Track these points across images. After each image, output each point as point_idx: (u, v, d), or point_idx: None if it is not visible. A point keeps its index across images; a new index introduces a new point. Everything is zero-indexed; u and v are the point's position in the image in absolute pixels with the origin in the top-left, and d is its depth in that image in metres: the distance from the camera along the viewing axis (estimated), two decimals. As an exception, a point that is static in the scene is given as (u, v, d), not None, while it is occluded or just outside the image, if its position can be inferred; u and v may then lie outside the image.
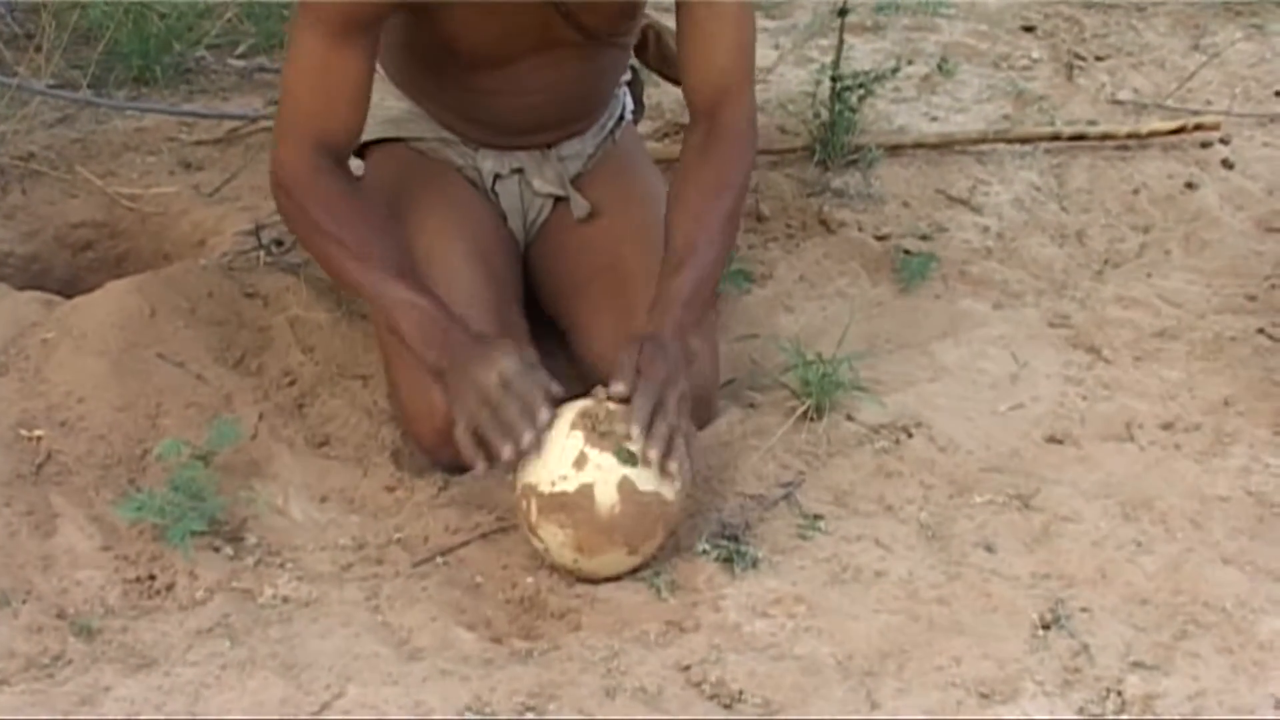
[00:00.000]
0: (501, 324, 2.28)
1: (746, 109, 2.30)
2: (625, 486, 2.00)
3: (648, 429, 2.01)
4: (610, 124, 2.54)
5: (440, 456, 2.24)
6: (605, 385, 2.07)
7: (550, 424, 2.02)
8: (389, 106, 2.42)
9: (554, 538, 2.02)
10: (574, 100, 2.43)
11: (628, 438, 2.01)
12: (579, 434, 2.02)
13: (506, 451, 2.00)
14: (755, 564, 2.06)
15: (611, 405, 2.05)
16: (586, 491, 2.00)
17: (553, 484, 2.00)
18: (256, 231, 2.71)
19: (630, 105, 2.62)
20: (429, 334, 2.11)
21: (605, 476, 2.00)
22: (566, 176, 2.47)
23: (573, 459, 2.00)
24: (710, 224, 2.22)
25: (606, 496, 2.00)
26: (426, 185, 2.39)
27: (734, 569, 2.05)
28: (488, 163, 2.45)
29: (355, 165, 2.39)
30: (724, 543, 2.09)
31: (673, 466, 2.01)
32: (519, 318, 2.37)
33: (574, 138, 2.48)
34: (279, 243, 2.71)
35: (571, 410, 2.06)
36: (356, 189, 2.21)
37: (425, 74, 2.36)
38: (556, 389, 2.06)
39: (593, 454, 2.00)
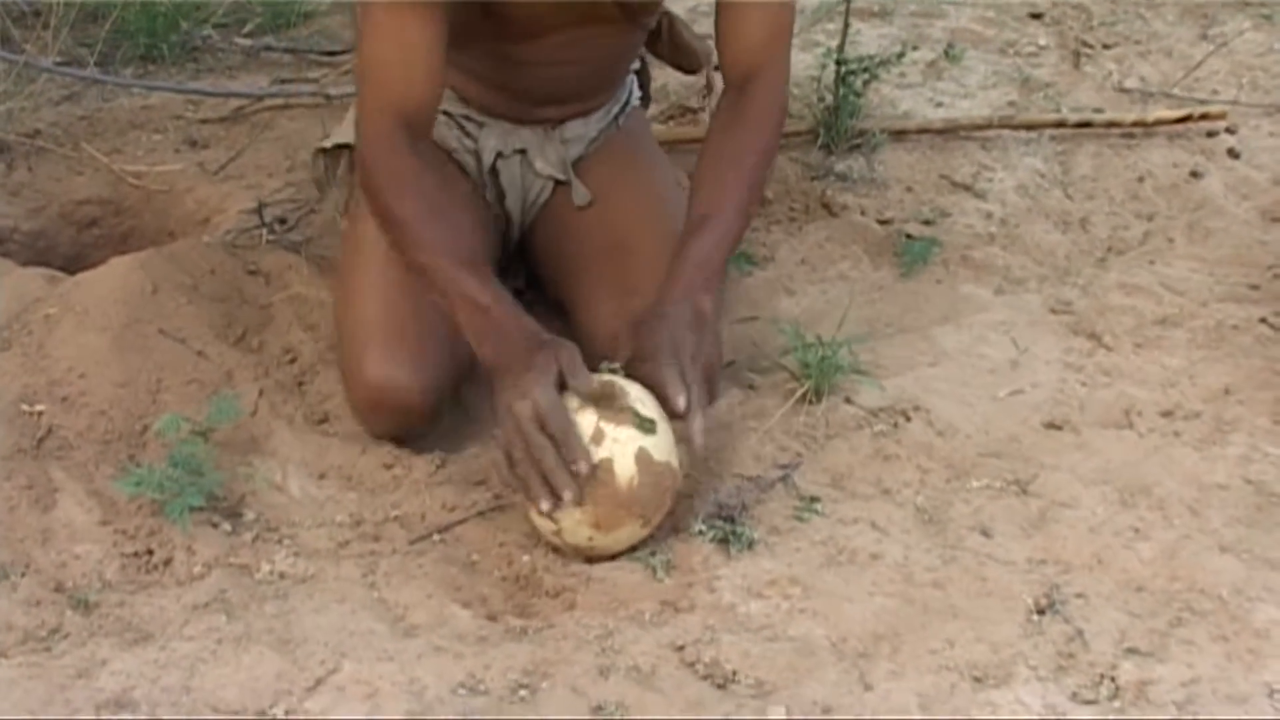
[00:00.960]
0: None
1: (778, 85, 2.33)
2: (642, 457, 2.01)
3: (683, 393, 2.05)
4: (616, 109, 2.55)
5: (371, 424, 2.27)
6: (606, 362, 2.10)
7: (593, 473, 1.99)
8: None
9: (570, 516, 2.01)
10: (597, 76, 2.45)
11: (641, 404, 2.02)
12: (590, 409, 2.02)
13: (545, 505, 1.99)
14: (751, 545, 2.07)
15: (617, 379, 2.06)
16: (606, 466, 2.00)
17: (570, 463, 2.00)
18: (259, 210, 2.71)
19: (638, 93, 2.63)
20: (481, 330, 2.09)
21: (623, 449, 2.00)
22: (568, 160, 2.48)
23: (589, 435, 2.00)
24: (732, 189, 2.25)
25: (625, 469, 2.00)
26: None
27: (730, 550, 2.06)
28: (491, 140, 2.45)
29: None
30: (720, 524, 2.09)
31: (697, 430, 2.06)
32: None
33: (580, 118, 2.48)
34: (282, 220, 2.72)
35: None
36: (427, 169, 2.19)
37: (455, 40, 2.35)
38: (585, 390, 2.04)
39: (609, 428, 2.00)
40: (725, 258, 2.26)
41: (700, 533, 2.08)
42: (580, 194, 2.46)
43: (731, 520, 2.10)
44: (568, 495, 1.97)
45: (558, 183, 2.49)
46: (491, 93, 2.42)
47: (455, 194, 2.41)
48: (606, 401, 2.03)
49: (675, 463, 2.05)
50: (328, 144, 2.55)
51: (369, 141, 2.18)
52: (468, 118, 2.45)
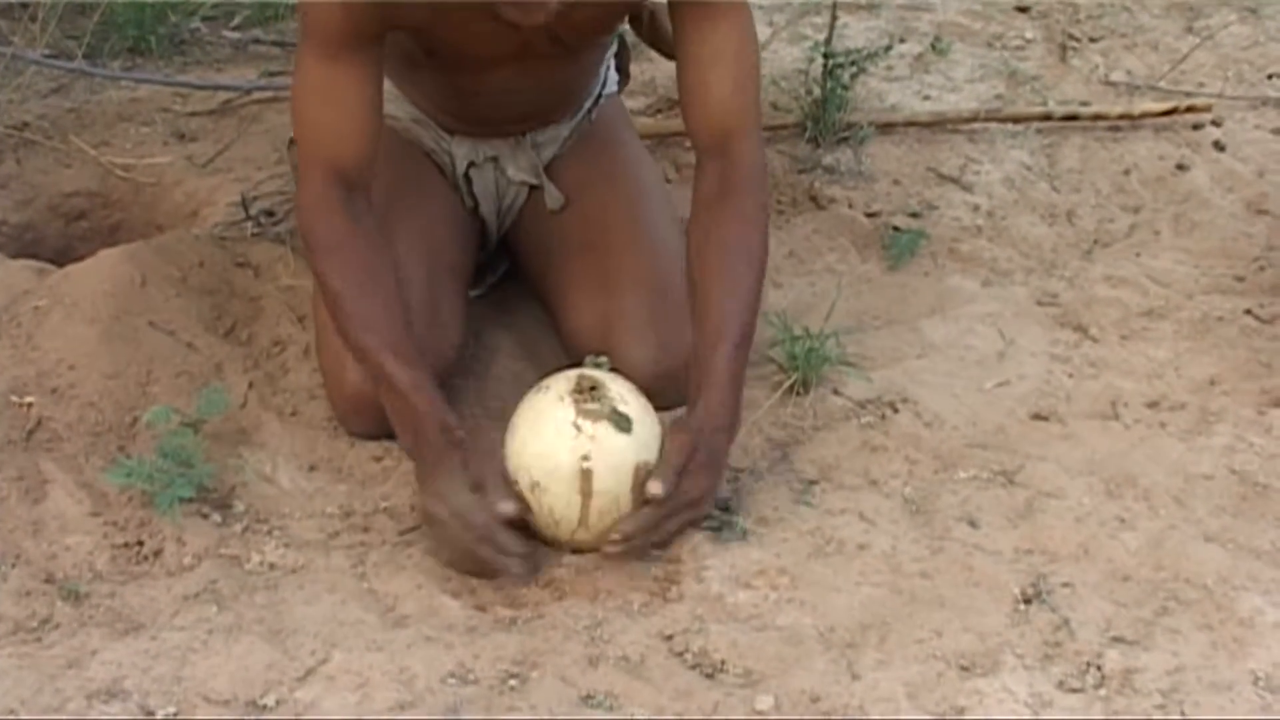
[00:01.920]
0: (433, 319, 2.28)
1: (754, 145, 2.22)
2: (623, 454, 2.02)
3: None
4: (589, 104, 2.53)
5: (350, 424, 2.27)
6: (592, 355, 2.11)
7: (528, 557, 2.01)
8: None
9: (552, 514, 2.03)
10: (553, 95, 2.43)
11: (622, 401, 2.03)
12: (570, 409, 2.03)
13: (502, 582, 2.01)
14: (744, 535, 2.07)
15: (599, 374, 2.06)
16: (585, 466, 2.00)
17: (550, 463, 2.01)
18: (244, 203, 2.71)
19: (615, 78, 2.59)
20: (401, 419, 2.09)
21: (601, 448, 2.01)
22: (540, 164, 2.47)
23: (569, 435, 2.01)
24: (741, 290, 2.15)
25: (605, 468, 2.01)
26: (391, 165, 2.36)
27: (718, 540, 2.06)
28: (462, 149, 2.45)
29: None
30: (716, 512, 2.10)
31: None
32: (457, 308, 2.36)
33: (550, 125, 2.48)
34: (269, 213, 2.71)
35: (559, 382, 2.07)
36: (361, 233, 2.15)
37: (406, 66, 2.34)
38: (506, 508, 2.02)
39: (586, 426, 2.01)
40: (748, 350, 2.16)
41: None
42: (554, 198, 2.45)
43: (723, 510, 2.10)
44: (515, 567, 2.00)
45: (532, 186, 2.48)
46: (452, 115, 2.42)
47: (434, 191, 2.42)
48: (588, 398, 2.03)
49: (653, 459, 2.05)
50: None
51: (305, 202, 2.17)
52: (438, 126, 2.45)
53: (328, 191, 2.14)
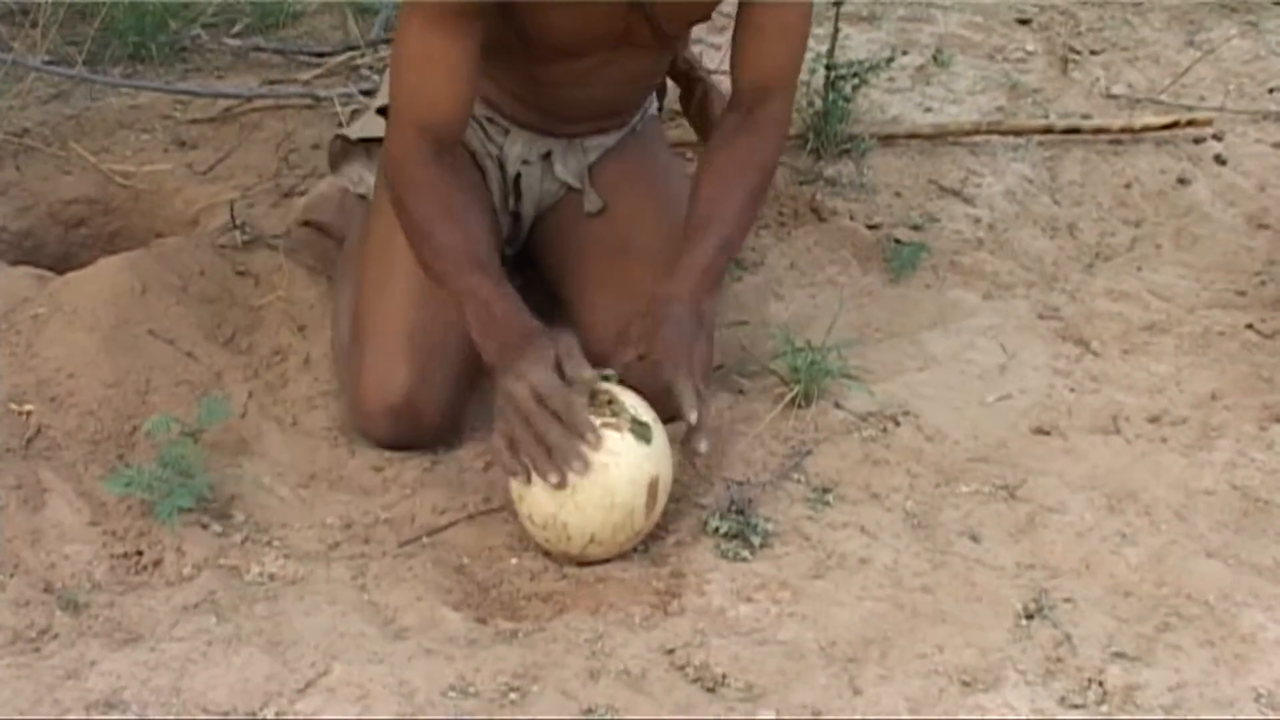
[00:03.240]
0: None
1: (785, 105, 2.36)
2: (641, 467, 2.01)
3: (695, 406, 2.06)
4: (636, 119, 2.57)
5: (379, 433, 2.27)
6: (601, 368, 2.09)
7: (598, 445, 2.00)
8: None
9: (566, 528, 2.02)
10: (626, 95, 2.48)
11: (637, 411, 2.03)
12: (592, 413, 2.01)
13: (553, 479, 1.99)
14: (750, 549, 2.07)
15: (611, 386, 2.05)
16: (604, 473, 1.99)
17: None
18: (231, 208, 2.70)
19: (655, 102, 2.65)
20: (484, 325, 2.12)
21: (620, 460, 2.00)
22: (586, 167, 2.50)
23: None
24: (735, 196, 2.27)
25: (624, 479, 2.00)
26: None
27: (720, 554, 2.06)
28: (516, 147, 2.47)
29: (379, 124, 2.44)
30: (734, 517, 2.10)
31: (703, 442, 2.07)
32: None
33: (602, 133, 2.51)
34: (241, 226, 2.68)
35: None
36: (449, 177, 2.22)
37: (489, 57, 2.36)
38: (586, 373, 2.04)
39: (611, 434, 2.00)
40: (726, 262, 2.29)
41: (691, 537, 2.09)
42: (593, 201, 2.48)
43: (741, 513, 2.11)
44: (577, 466, 1.99)
45: (570, 188, 2.50)
46: (522, 107, 2.44)
47: (473, 198, 2.43)
48: (602, 409, 2.02)
49: (669, 469, 2.06)
50: (352, 135, 2.56)
51: (393, 148, 2.23)
52: (492, 121, 2.46)
53: (418, 142, 2.20)
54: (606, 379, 2.08)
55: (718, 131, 2.36)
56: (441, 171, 2.21)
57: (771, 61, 2.31)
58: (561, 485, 1.99)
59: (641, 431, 2.02)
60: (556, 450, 1.99)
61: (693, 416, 2.06)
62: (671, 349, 2.12)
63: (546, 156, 2.48)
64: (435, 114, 2.20)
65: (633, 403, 2.05)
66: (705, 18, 2.40)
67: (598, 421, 2.01)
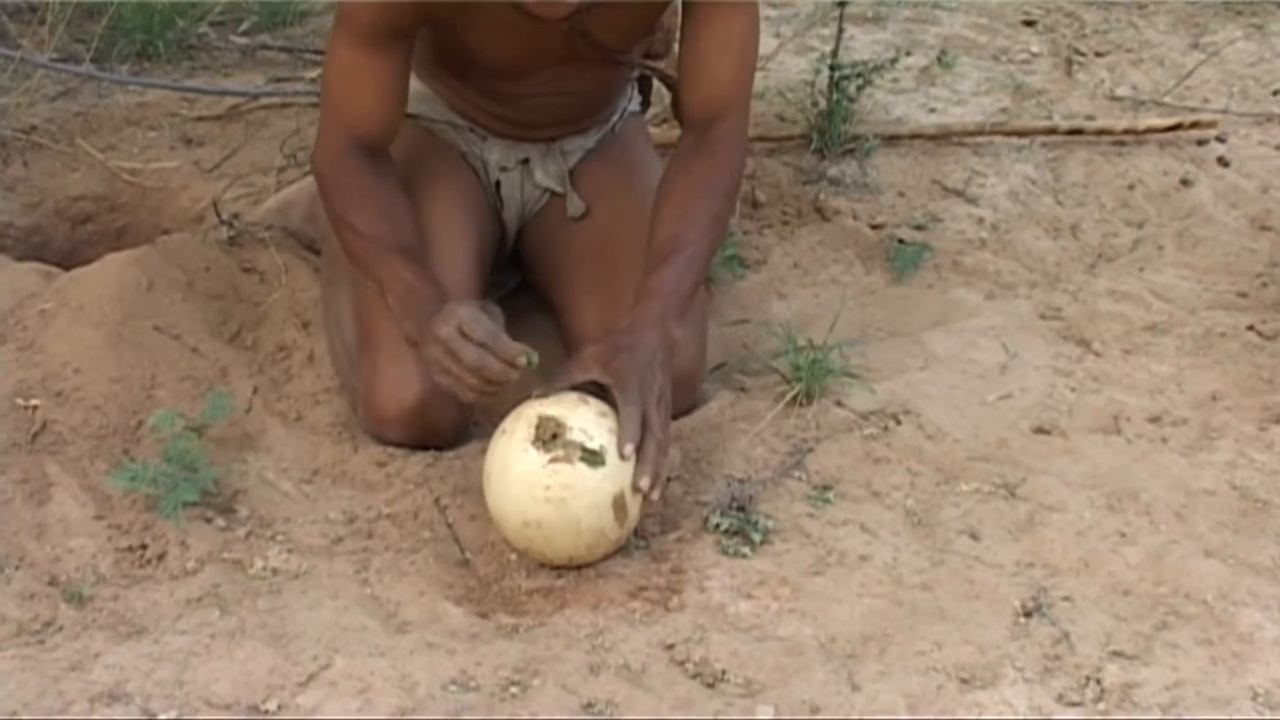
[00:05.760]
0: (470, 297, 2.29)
1: (740, 125, 2.32)
2: (600, 490, 1.99)
3: (639, 447, 2.02)
4: (614, 119, 2.56)
5: (393, 436, 2.27)
6: (540, 389, 2.09)
7: (532, 359, 2.04)
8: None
9: (543, 554, 2.03)
10: (591, 101, 2.48)
11: (586, 436, 2.00)
12: (539, 450, 1.99)
13: (471, 382, 2.04)
14: (750, 546, 2.08)
15: (557, 411, 2.01)
16: (562, 508, 1.98)
17: (525, 510, 1.99)
18: (215, 205, 2.71)
19: (637, 98, 2.64)
20: (408, 305, 2.14)
21: (575, 492, 1.99)
22: (566, 171, 2.49)
23: (542, 480, 1.98)
24: (696, 220, 2.23)
25: (584, 507, 1.99)
26: (430, 165, 2.43)
27: (721, 550, 2.07)
28: (494, 154, 2.48)
29: None
30: (712, 524, 2.10)
31: (649, 488, 2.01)
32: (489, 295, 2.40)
33: (580, 134, 2.51)
34: (229, 222, 2.69)
35: (520, 424, 2.02)
36: (377, 177, 2.26)
37: (445, 70, 2.40)
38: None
39: (562, 469, 1.98)
40: (695, 285, 2.23)
41: (691, 533, 2.10)
42: (575, 205, 2.48)
43: (742, 510, 2.12)
44: (514, 376, 2.03)
45: (553, 193, 2.50)
46: (489, 117, 2.45)
47: (469, 190, 2.45)
48: (552, 440, 1.99)
49: (627, 487, 2.01)
50: None
51: (320, 150, 2.28)
52: (473, 130, 2.47)
53: (347, 148, 2.25)
54: (543, 396, 2.05)
55: (674, 156, 2.32)
56: (368, 168, 2.25)
57: (717, 81, 2.27)
58: (480, 391, 2.05)
59: (592, 459, 1.99)
60: (486, 370, 2.03)
61: (628, 450, 2.01)
62: (624, 378, 2.07)
63: (525, 162, 2.48)
64: (361, 126, 2.25)
65: (580, 426, 2.00)
66: (649, 33, 2.39)
67: (546, 457, 1.98)
